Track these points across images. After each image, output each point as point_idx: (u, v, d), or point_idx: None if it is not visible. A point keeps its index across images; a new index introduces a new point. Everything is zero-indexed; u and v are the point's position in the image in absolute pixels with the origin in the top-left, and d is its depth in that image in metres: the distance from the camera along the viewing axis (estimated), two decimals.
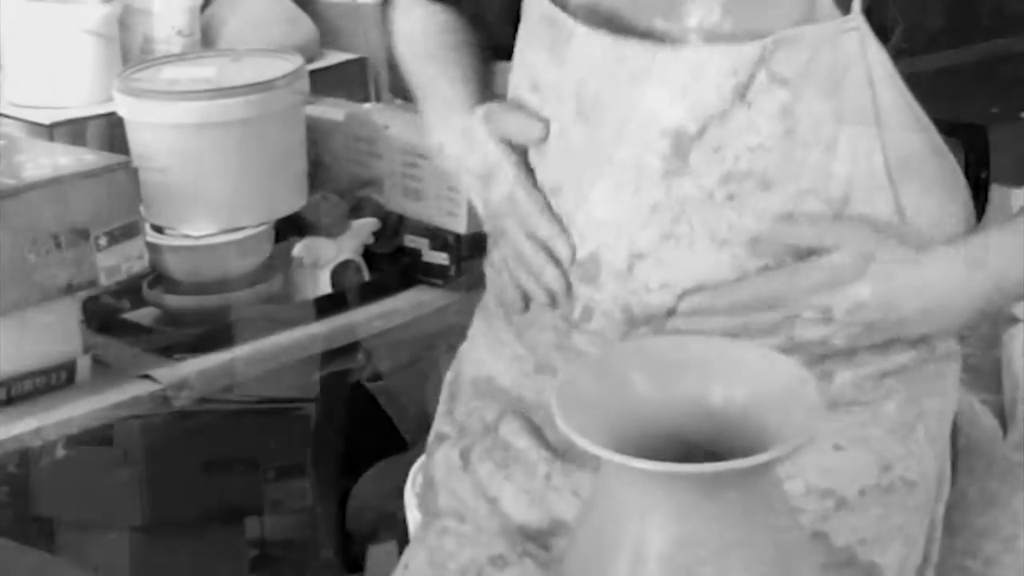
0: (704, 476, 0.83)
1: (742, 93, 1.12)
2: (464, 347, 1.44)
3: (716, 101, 1.12)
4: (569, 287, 1.19)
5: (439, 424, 1.41)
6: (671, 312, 1.16)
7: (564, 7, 1.20)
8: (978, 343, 1.31)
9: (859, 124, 1.13)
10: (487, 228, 1.28)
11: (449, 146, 1.29)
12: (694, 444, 0.92)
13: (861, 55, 1.11)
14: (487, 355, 1.36)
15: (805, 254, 1.16)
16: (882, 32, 1.12)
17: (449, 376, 1.44)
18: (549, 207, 1.20)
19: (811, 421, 0.86)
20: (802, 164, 1.13)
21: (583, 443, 0.83)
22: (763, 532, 0.86)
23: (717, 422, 0.91)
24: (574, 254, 1.18)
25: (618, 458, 0.83)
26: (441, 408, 1.42)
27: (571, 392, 0.90)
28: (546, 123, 1.19)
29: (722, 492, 0.84)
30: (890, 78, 1.13)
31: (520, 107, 1.22)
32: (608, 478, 0.88)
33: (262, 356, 1.99)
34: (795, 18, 1.12)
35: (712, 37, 1.14)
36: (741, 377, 0.92)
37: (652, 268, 1.16)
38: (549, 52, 1.19)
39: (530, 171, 1.22)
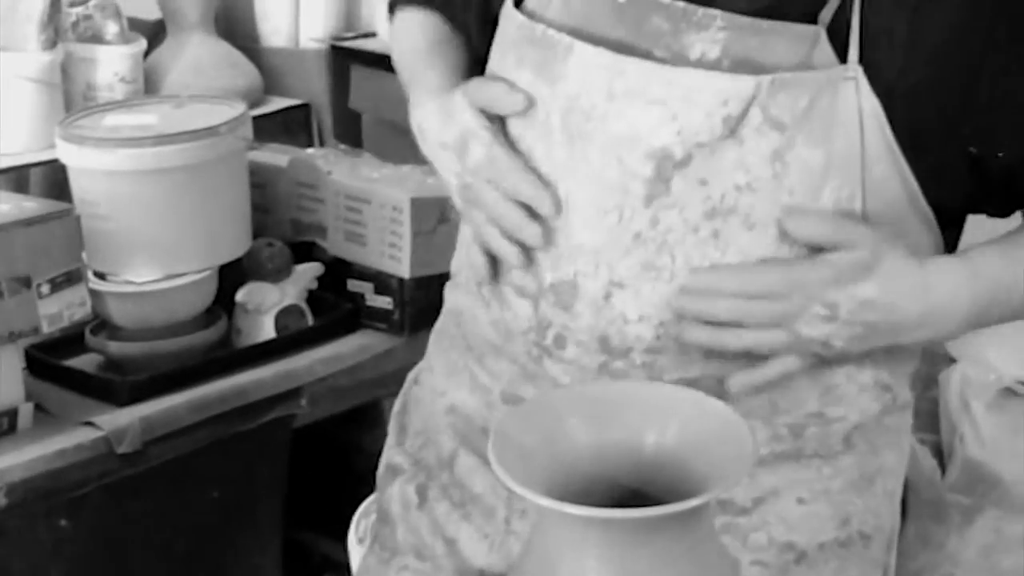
0: (637, 520, 0.84)
1: (733, 128, 1.11)
2: (415, 375, 1.42)
3: (705, 129, 1.11)
4: (549, 239, 1.17)
5: (390, 455, 1.41)
6: (682, 290, 1.14)
7: (558, 29, 1.18)
8: (915, 383, 1.31)
9: (846, 172, 1.13)
10: (458, 205, 1.23)
11: (427, 121, 1.25)
12: (629, 488, 0.93)
13: (856, 105, 1.11)
14: (446, 382, 1.35)
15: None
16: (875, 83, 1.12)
17: (397, 407, 1.43)
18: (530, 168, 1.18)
19: (742, 465, 0.88)
20: (786, 208, 1.13)
21: (517, 488, 0.85)
22: (696, 574, 0.87)
23: (652, 467, 0.93)
24: (559, 207, 1.15)
25: (552, 503, 0.84)
26: (391, 440, 1.42)
27: (508, 437, 0.91)
28: (527, 95, 1.17)
29: (656, 536, 0.85)
30: (880, 129, 1.12)
31: (499, 78, 1.20)
32: (544, 523, 0.89)
33: (205, 402, 1.99)
34: (794, 62, 1.11)
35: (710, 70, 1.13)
36: (674, 422, 0.93)
37: (630, 298, 1.15)
38: (536, 71, 1.17)
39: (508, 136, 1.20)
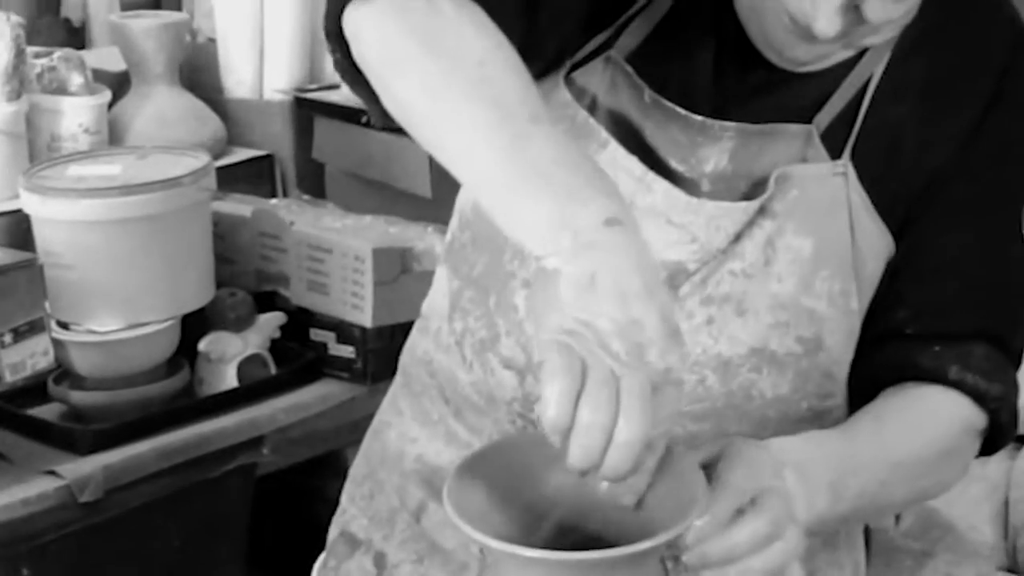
0: (589, 563, 0.86)
1: (740, 234, 1.17)
2: (375, 428, 1.42)
3: (718, 245, 1.17)
4: None
5: (343, 522, 1.41)
6: None
7: (592, 109, 1.19)
8: None
9: (837, 264, 1.18)
10: (554, 337, 0.91)
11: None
12: (585, 532, 0.95)
13: (845, 199, 1.17)
14: (419, 430, 1.35)
15: (785, 360, 1.19)
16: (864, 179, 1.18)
17: (359, 459, 1.43)
18: None
19: (692, 511, 0.90)
20: (776, 296, 1.18)
21: (470, 532, 0.86)
22: None
23: (606, 510, 0.95)
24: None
25: (505, 547, 0.86)
26: (344, 499, 1.43)
27: (464, 482, 0.93)
28: None
29: None
30: (873, 224, 1.18)
31: None
32: (498, 567, 0.91)
33: (168, 451, 1.99)
34: (791, 160, 1.18)
35: (718, 179, 1.19)
36: None
37: None
38: None
39: None
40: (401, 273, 2.14)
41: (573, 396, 0.87)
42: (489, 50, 1.00)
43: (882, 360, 1.20)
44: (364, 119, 2.59)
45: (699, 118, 1.18)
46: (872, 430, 1.14)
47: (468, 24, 1.01)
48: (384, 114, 1.06)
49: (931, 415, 1.18)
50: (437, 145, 1.00)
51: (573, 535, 0.95)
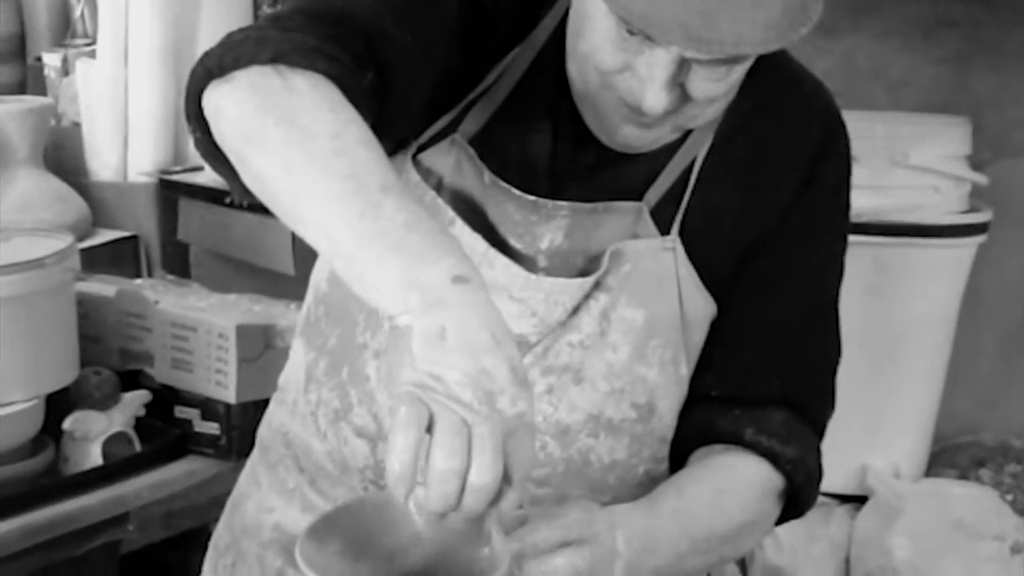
0: None
1: (578, 308, 1.23)
2: (238, 497, 1.45)
3: (559, 319, 1.22)
4: None
5: None
6: None
7: (438, 189, 1.25)
8: None
9: (667, 334, 1.24)
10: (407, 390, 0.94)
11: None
12: None
13: (674, 272, 1.24)
14: (276, 500, 1.38)
15: (621, 426, 1.24)
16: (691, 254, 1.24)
17: (221, 529, 1.46)
18: None
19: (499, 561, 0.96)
20: (611, 364, 1.24)
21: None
22: None
23: (453, 560, 1.00)
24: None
25: None
26: (207, 568, 1.46)
27: (316, 541, 0.97)
28: None
29: None
30: (700, 295, 1.25)
31: None
32: None
33: (33, 529, 1.98)
34: (624, 236, 1.24)
35: (554, 255, 1.24)
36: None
37: None
38: None
39: None
40: (265, 349, 2.15)
41: (416, 447, 0.90)
42: (343, 124, 1.02)
43: (688, 422, 1.27)
44: (228, 200, 2.63)
45: (532, 198, 1.23)
46: (673, 506, 1.18)
47: (323, 100, 1.04)
48: (245, 190, 1.07)
49: (731, 481, 1.23)
50: (295, 217, 1.02)
51: None
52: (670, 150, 1.25)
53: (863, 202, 2.35)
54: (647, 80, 1.12)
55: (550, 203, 1.24)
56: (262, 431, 1.44)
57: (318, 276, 1.37)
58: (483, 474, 0.91)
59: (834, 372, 1.31)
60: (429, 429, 0.92)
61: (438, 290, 0.94)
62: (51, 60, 3.18)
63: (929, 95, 2.76)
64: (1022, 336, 2.80)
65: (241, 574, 1.41)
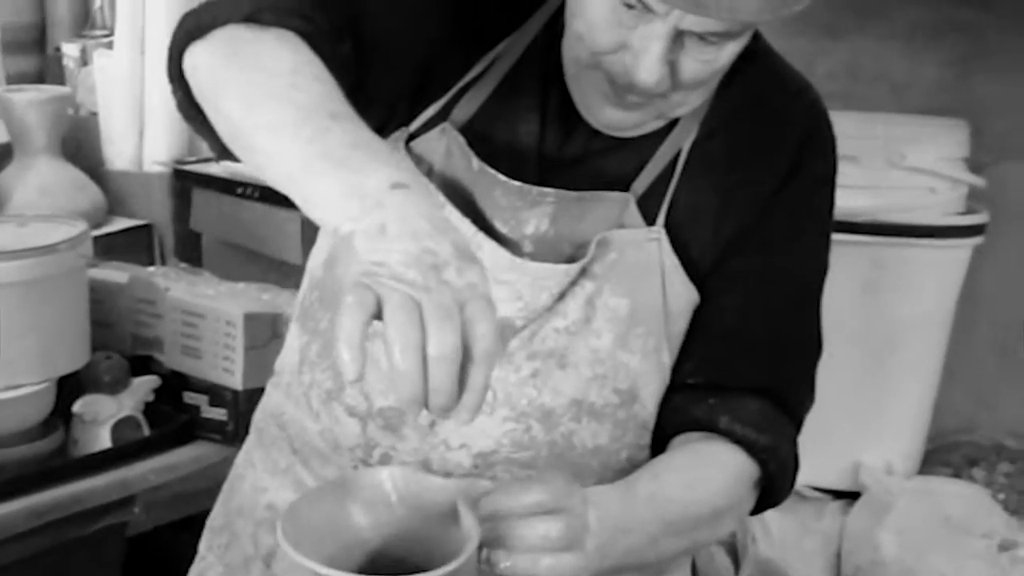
0: None
1: (564, 294, 1.26)
2: (234, 478, 1.48)
3: (543, 303, 1.25)
4: None
5: (200, 569, 1.47)
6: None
7: (429, 174, 1.27)
8: None
9: (650, 323, 1.27)
10: (357, 279, 0.95)
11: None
12: (405, 561, 1.05)
13: (658, 262, 1.26)
14: (270, 480, 1.41)
15: (604, 411, 1.27)
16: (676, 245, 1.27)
17: (217, 509, 1.50)
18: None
19: (467, 544, 0.99)
20: (595, 351, 1.26)
21: (298, 558, 0.95)
22: None
23: (422, 541, 1.04)
24: None
25: (332, 573, 0.94)
26: (203, 547, 1.50)
27: (298, 518, 1.01)
28: None
29: None
30: (683, 285, 1.28)
31: None
32: None
33: (41, 510, 2.02)
34: (610, 225, 1.26)
35: (540, 241, 1.27)
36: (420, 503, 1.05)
37: (454, 428, 1.25)
38: None
39: None
40: (272, 337, 2.18)
41: (362, 329, 0.88)
42: (300, 64, 1.07)
43: (666, 409, 1.30)
44: (240, 190, 2.67)
45: (517, 184, 1.26)
46: (649, 490, 1.19)
47: (286, 47, 1.09)
48: (223, 148, 1.11)
49: (707, 467, 1.25)
50: (252, 150, 1.04)
51: (403, 566, 1.04)
52: (656, 141, 1.28)
53: (861, 202, 2.41)
54: (641, 53, 1.15)
55: (536, 189, 1.27)
56: (257, 415, 1.47)
57: (314, 262, 1.40)
58: (440, 343, 0.88)
59: (814, 364, 1.34)
60: (380, 317, 0.90)
61: (377, 195, 0.95)
62: (70, 51, 3.22)
63: (932, 98, 2.76)
64: (1017, 337, 2.81)
65: (235, 552, 1.44)
